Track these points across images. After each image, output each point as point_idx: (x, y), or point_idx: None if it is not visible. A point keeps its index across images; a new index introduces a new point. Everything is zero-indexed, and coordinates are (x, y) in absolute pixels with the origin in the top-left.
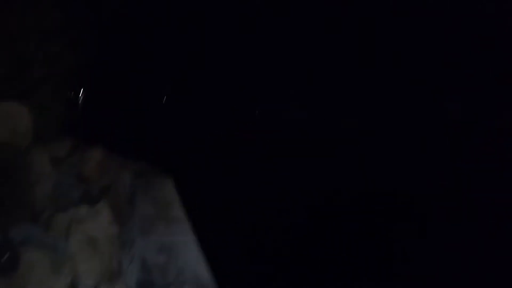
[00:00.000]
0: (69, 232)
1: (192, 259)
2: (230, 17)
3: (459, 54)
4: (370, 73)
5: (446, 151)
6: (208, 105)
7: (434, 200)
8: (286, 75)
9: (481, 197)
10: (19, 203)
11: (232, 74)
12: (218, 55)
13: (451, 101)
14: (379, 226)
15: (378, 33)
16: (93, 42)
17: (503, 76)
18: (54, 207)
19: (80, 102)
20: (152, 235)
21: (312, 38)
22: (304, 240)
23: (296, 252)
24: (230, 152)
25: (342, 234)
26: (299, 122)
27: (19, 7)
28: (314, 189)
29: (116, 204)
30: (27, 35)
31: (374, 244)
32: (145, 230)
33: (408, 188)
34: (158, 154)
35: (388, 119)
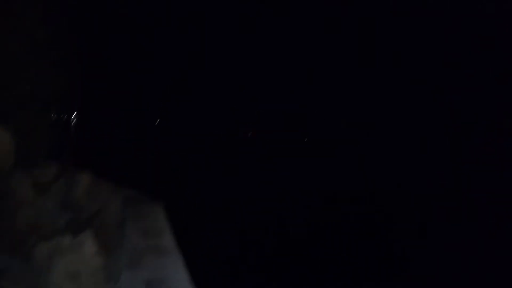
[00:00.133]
0: (50, 264)
1: None
2: (230, 17)
3: (459, 54)
4: (370, 73)
5: (446, 151)
6: (208, 105)
7: (434, 200)
8: (286, 75)
9: (481, 197)
10: None
11: (232, 74)
12: (218, 55)
13: (451, 101)
14: (379, 226)
15: (378, 33)
16: (80, 62)
17: (503, 76)
18: (36, 237)
19: (71, 123)
20: (141, 268)
21: (312, 38)
22: (304, 240)
23: (296, 252)
24: (230, 152)
25: (342, 234)
26: (299, 122)
27: (2, 26)
28: (314, 189)
29: (103, 233)
30: (11, 52)
31: (374, 244)
32: (133, 263)
33: (408, 188)
34: (150, 178)
35: (388, 119)
